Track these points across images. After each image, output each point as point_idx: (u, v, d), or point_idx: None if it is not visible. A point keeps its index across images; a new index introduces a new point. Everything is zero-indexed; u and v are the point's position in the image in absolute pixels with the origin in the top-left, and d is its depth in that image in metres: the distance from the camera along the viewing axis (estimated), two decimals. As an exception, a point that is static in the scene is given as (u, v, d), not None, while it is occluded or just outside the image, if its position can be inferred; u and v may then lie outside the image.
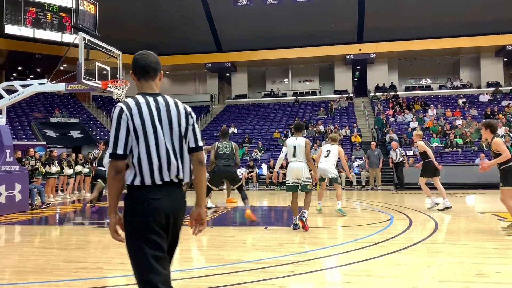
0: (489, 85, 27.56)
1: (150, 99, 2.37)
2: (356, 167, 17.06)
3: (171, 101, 2.43)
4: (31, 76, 27.98)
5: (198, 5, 28.96)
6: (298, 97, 29.44)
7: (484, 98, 25.10)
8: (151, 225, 2.25)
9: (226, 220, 8.77)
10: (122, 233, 2.37)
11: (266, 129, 23.92)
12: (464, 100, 25.07)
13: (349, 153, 18.45)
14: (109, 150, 2.28)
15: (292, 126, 8.06)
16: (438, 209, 9.16)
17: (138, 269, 2.29)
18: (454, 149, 17.62)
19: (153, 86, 2.47)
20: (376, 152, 15.40)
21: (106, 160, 8.41)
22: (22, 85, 11.13)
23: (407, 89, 30.34)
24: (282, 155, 7.50)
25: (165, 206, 2.29)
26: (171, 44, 30.55)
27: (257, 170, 17.73)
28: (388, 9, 27.79)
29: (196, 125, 2.48)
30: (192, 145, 2.43)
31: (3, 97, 10.83)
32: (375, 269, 4.48)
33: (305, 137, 9.00)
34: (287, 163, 7.27)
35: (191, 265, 4.86)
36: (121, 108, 2.30)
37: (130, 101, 2.34)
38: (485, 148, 17.11)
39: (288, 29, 29.32)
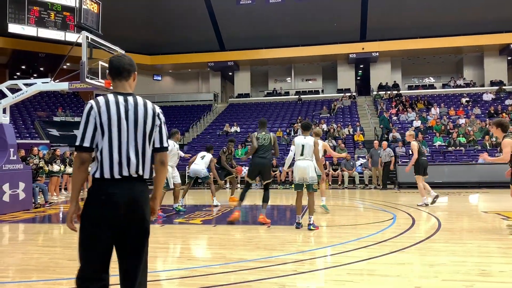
0: (492, 84, 27.47)
1: (121, 98, 2.52)
2: (359, 166, 17.04)
3: (140, 101, 2.56)
4: (35, 75, 28.05)
5: (201, 4, 28.97)
6: (301, 96, 29.42)
7: (488, 97, 25.01)
8: (103, 218, 2.38)
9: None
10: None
11: (268, 128, 23.88)
12: (468, 99, 24.99)
13: (352, 152, 18.43)
14: (76, 142, 2.45)
15: (300, 125, 7.96)
16: (417, 204, 9.77)
17: (79, 258, 2.43)
18: (457, 148, 17.57)
19: (126, 87, 2.62)
20: (379, 151, 15.38)
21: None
22: (25, 84, 11.16)
23: (410, 88, 30.27)
24: (291, 153, 7.47)
25: (121, 200, 2.39)
26: (174, 43, 30.59)
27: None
28: (391, 8, 27.74)
29: (163, 127, 2.62)
30: (157, 145, 2.58)
31: (7, 96, 10.87)
32: (378, 268, 4.48)
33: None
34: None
35: (194, 264, 4.87)
36: (91, 105, 2.47)
37: (101, 99, 2.49)
38: (488, 147, 17.07)
39: (291, 28, 29.30)
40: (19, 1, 22.53)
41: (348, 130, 21.42)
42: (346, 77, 30.65)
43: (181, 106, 30.90)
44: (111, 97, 2.51)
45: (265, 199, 7.68)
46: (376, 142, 16.12)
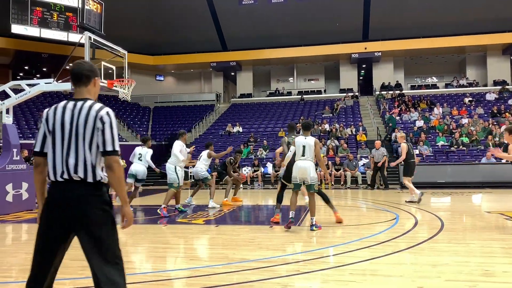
0: (495, 83, 27.39)
1: (71, 104, 2.60)
2: (362, 166, 17.03)
3: (87, 105, 2.59)
4: (38, 76, 28.16)
5: (203, 4, 29.00)
6: (303, 96, 29.40)
7: (491, 96, 24.93)
8: (47, 219, 2.52)
9: (231, 218, 8.78)
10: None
11: (271, 128, 23.91)
12: (471, 99, 24.91)
13: (354, 152, 18.42)
14: (33, 147, 2.67)
15: (301, 125, 7.94)
16: (406, 201, 10.56)
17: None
18: (460, 148, 17.53)
19: (84, 92, 2.68)
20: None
21: (177, 148, 8.98)
22: (28, 85, 11.19)
23: (412, 87, 30.22)
24: (289, 153, 7.46)
25: (60, 202, 2.50)
26: (176, 43, 30.64)
27: (262, 169, 17.73)
28: (393, 8, 27.70)
29: (106, 130, 2.54)
30: (100, 149, 2.56)
31: (10, 97, 10.90)
32: (380, 268, 4.47)
33: (317, 135, 9.14)
34: (292, 161, 7.28)
35: (196, 264, 4.87)
36: (44, 114, 2.65)
37: (54, 106, 2.64)
38: (491, 147, 17.01)
39: (293, 27, 29.29)
40: (22, 2, 22.60)
41: (351, 130, 21.39)
42: (349, 77, 30.61)
43: (183, 106, 30.93)
44: (63, 103, 2.61)
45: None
46: (378, 142, 16.09)
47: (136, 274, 4.54)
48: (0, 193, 9.44)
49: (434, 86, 30.22)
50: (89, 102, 2.60)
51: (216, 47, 30.98)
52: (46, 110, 2.66)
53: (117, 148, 2.58)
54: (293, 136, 7.80)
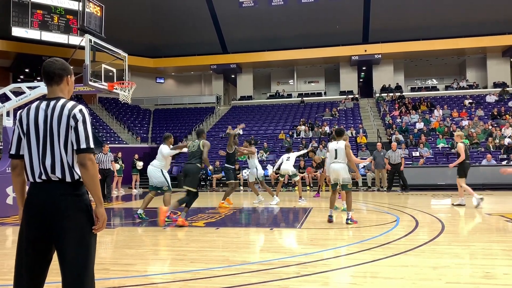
0: (495, 85, 27.40)
1: (44, 104, 2.56)
2: (362, 168, 17.02)
3: (60, 103, 2.55)
4: (38, 78, 28.14)
5: (203, 6, 29.04)
6: (304, 98, 29.42)
7: (491, 98, 24.94)
8: (26, 220, 2.52)
9: (232, 221, 8.78)
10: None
11: (271, 130, 23.91)
12: (471, 101, 24.93)
13: (355, 154, 18.39)
14: (8, 150, 2.63)
15: (333, 131, 8.42)
16: (453, 204, 10.33)
17: None
18: (461, 150, 17.49)
19: (56, 91, 2.63)
20: (382, 153, 15.34)
21: (166, 151, 8.71)
22: (29, 87, 11.21)
23: (413, 89, 30.23)
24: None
25: (38, 203, 2.48)
26: (176, 46, 30.68)
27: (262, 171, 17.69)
28: (393, 10, 27.73)
29: (80, 127, 2.51)
30: (74, 147, 2.51)
31: (11, 99, 10.92)
32: (381, 270, 4.47)
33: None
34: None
35: (197, 266, 4.87)
36: (17, 116, 2.62)
37: (27, 107, 2.60)
38: (492, 149, 17.02)
39: (293, 30, 29.33)
40: (22, 5, 22.65)
41: (351, 132, 21.39)
42: (349, 79, 30.63)
43: (184, 108, 30.95)
44: (35, 104, 2.58)
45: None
46: (379, 144, 16.09)
47: (136, 276, 4.53)
48: (1, 196, 9.44)
49: (434, 88, 30.25)
50: (61, 101, 2.56)
51: (217, 49, 31.02)
52: (19, 111, 2.62)
53: (91, 145, 2.54)
54: (196, 141, 8.26)
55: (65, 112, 2.52)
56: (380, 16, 28.10)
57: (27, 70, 29.19)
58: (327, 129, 21.91)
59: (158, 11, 29.25)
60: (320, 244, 5.99)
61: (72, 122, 2.50)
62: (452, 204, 10.33)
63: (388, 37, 28.06)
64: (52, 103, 2.56)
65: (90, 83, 10.43)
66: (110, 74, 11.79)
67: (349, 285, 4.00)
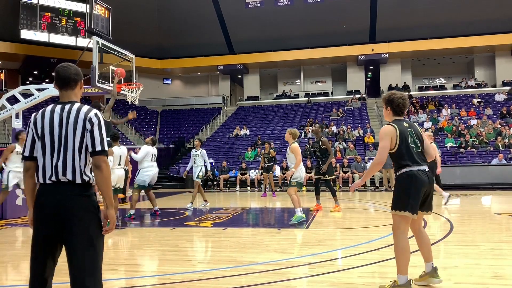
0: (504, 84, 27.15)
1: (58, 107, 2.63)
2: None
3: (75, 107, 2.62)
4: (46, 80, 28.40)
5: (210, 7, 29.10)
6: (310, 98, 29.37)
7: (500, 97, 24.73)
8: (38, 221, 2.56)
9: (239, 221, 8.79)
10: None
11: (278, 130, 23.89)
12: (479, 100, 24.74)
13: (362, 154, 18.35)
14: (22, 152, 2.71)
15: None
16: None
17: None
18: (469, 149, 17.38)
19: (71, 96, 2.71)
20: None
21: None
22: (37, 89, 11.31)
23: (420, 89, 30.06)
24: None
25: (49, 204, 2.52)
26: (183, 47, 30.77)
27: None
28: (400, 9, 27.58)
29: (95, 131, 2.59)
30: (89, 149, 2.59)
31: (20, 101, 11.02)
32: (389, 270, 4.44)
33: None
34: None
35: (205, 267, 4.88)
36: (31, 119, 2.67)
37: (41, 111, 2.66)
38: (501, 148, 16.86)
39: (299, 30, 29.29)
40: (31, 8, 22.86)
41: (358, 132, 21.32)
42: (356, 79, 30.53)
43: (190, 109, 31.04)
44: (50, 107, 2.65)
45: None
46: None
47: (144, 277, 4.56)
48: (10, 197, 9.52)
49: (442, 87, 30.04)
50: (77, 105, 2.64)
51: (223, 50, 31.07)
52: (33, 114, 2.67)
53: (106, 148, 2.61)
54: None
55: (81, 115, 2.59)
56: (387, 15, 27.97)
57: (35, 72, 29.45)
58: (334, 129, 21.86)
59: (165, 12, 29.36)
60: (328, 245, 5.97)
61: (88, 125, 2.58)
62: (445, 204, 10.12)
63: (395, 36, 27.92)
64: (67, 106, 2.62)
65: (97, 84, 10.50)
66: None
67: (357, 285, 3.99)
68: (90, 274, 2.51)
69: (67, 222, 2.49)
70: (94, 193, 2.66)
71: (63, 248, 2.58)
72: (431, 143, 10.25)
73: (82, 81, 2.79)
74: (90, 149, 2.57)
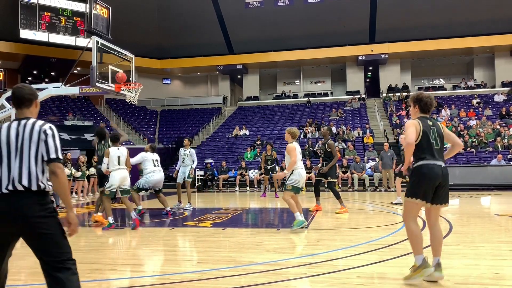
0: (504, 84, 27.16)
1: (15, 123, 2.80)
2: (369, 168, 16.96)
3: (30, 122, 2.80)
4: (46, 80, 28.38)
5: (209, 7, 29.10)
6: (310, 99, 29.38)
7: (499, 98, 24.75)
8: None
9: (238, 221, 8.79)
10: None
11: (278, 130, 23.89)
12: (479, 100, 24.75)
13: (361, 154, 18.35)
14: None
15: None
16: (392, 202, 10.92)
17: None
18: (469, 149, 17.40)
19: (26, 113, 2.89)
20: (389, 153, 15.26)
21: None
22: (37, 89, 11.21)
23: (420, 89, 30.03)
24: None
25: (6, 210, 2.64)
26: (183, 47, 30.77)
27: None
28: (400, 9, 27.59)
29: (49, 140, 2.75)
30: (45, 158, 2.75)
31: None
32: (388, 271, 4.45)
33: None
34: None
35: (204, 267, 4.88)
36: None
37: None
38: (500, 149, 16.88)
39: (299, 30, 29.30)
40: (30, 7, 22.84)
41: (358, 132, 21.33)
42: (355, 79, 30.54)
43: (190, 109, 31.03)
44: (7, 123, 2.83)
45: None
46: (386, 144, 16.01)
47: (144, 277, 4.55)
48: None
49: (441, 87, 30.05)
50: (32, 120, 2.82)
51: (223, 50, 31.06)
52: None
53: (60, 156, 2.78)
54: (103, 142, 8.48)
55: (36, 127, 2.77)
56: (387, 16, 27.98)
57: (35, 72, 29.41)
58: (333, 129, 21.86)
59: (165, 12, 29.35)
60: (327, 245, 5.97)
61: (42, 136, 2.75)
62: (391, 203, 10.80)
63: (395, 37, 27.93)
64: (23, 121, 2.80)
65: (97, 84, 10.49)
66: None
67: (356, 286, 3.99)
68: (60, 261, 2.73)
69: (24, 229, 2.66)
70: (51, 200, 2.81)
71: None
72: None
73: (37, 100, 2.95)
74: (45, 157, 2.73)
